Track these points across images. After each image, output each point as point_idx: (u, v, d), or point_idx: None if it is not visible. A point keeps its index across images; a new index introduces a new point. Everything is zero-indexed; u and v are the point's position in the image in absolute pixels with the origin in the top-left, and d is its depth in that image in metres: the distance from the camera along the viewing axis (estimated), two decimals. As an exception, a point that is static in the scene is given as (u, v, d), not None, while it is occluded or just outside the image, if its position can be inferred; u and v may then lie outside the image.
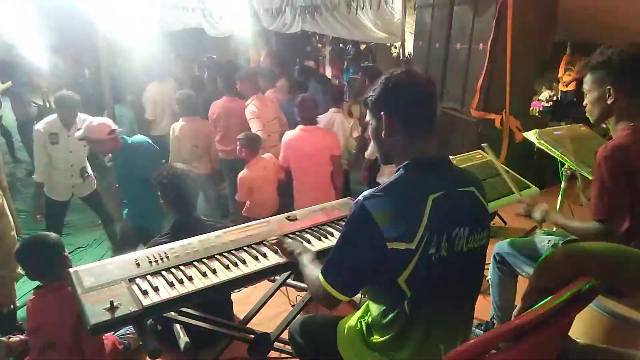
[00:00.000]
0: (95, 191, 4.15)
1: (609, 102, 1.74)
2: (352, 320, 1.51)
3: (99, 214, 4.28)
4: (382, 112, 1.33)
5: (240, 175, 3.86)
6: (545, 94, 7.26)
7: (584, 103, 1.87)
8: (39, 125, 3.71)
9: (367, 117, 1.42)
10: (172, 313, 1.91)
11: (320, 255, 1.90)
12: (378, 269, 1.22)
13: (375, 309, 1.35)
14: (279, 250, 1.79)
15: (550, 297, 1.17)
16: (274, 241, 1.82)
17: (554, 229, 2.53)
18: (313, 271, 1.45)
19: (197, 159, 4.36)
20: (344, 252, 1.29)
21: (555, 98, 7.19)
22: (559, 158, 2.70)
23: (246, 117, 4.42)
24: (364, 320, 1.44)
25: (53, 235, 2.27)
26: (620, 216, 1.67)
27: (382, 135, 1.34)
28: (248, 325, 2.23)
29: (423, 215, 1.20)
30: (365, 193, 1.25)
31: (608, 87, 1.73)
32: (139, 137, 3.60)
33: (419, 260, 1.19)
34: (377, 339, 1.36)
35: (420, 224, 1.19)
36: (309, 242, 1.92)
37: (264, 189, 3.91)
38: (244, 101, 4.77)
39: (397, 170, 1.32)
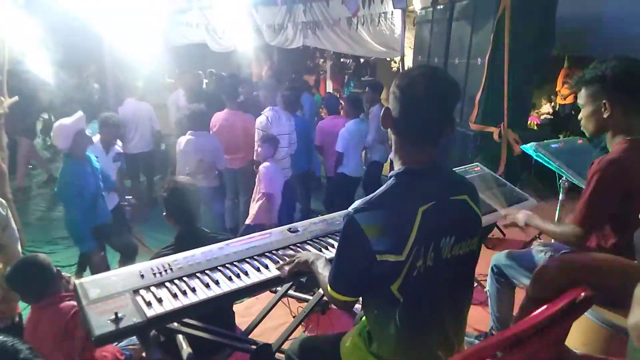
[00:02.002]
0: None
1: (604, 116, 1.76)
2: (354, 333, 1.53)
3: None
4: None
5: (262, 167, 4.15)
6: (546, 107, 7.31)
7: (579, 117, 1.91)
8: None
9: None
10: (175, 324, 1.93)
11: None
12: (371, 277, 1.25)
13: (372, 317, 1.38)
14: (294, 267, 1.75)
15: (545, 307, 1.19)
16: (285, 263, 1.78)
17: (553, 241, 2.56)
18: (325, 277, 1.49)
19: (202, 172, 4.40)
20: (342, 261, 1.34)
21: (554, 111, 7.25)
22: (556, 171, 2.74)
23: (256, 125, 4.54)
24: (364, 331, 1.47)
25: (41, 256, 2.31)
26: (594, 227, 1.77)
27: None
28: (250, 336, 2.26)
29: (412, 228, 1.22)
30: (355, 204, 1.27)
31: (603, 101, 1.75)
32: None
33: (408, 270, 1.22)
34: (377, 346, 1.39)
35: (410, 237, 1.21)
36: (310, 253, 1.95)
37: (278, 190, 4.20)
38: (247, 114, 4.85)
39: (390, 177, 1.33)
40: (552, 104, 7.43)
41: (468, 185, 1.39)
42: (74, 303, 2.14)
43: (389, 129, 1.36)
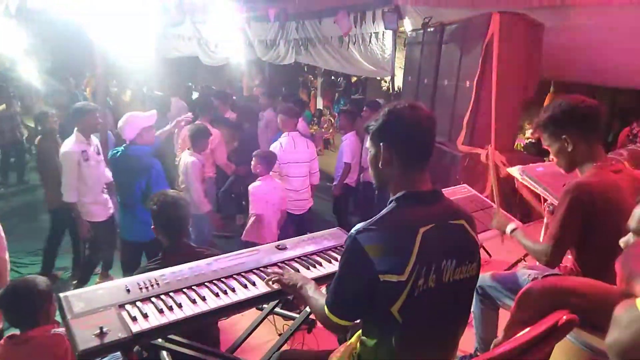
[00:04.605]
0: None
1: (569, 150, 1.91)
2: (344, 353, 1.52)
3: None
4: (382, 143, 1.36)
5: (251, 187, 3.97)
6: (529, 132, 7.42)
7: (550, 158, 2.02)
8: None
9: (367, 144, 1.46)
10: (159, 340, 1.91)
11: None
12: (373, 299, 1.26)
13: (368, 338, 1.38)
14: (280, 285, 1.77)
15: (528, 329, 1.22)
16: (275, 278, 1.79)
17: (537, 263, 2.60)
18: (318, 301, 1.50)
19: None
20: (342, 283, 1.35)
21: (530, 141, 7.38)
22: (541, 194, 2.79)
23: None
24: (355, 352, 1.46)
25: (41, 279, 2.22)
26: (564, 245, 1.88)
27: (379, 165, 1.37)
28: (234, 354, 2.23)
29: (413, 248, 1.24)
30: (358, 226, 1.29)
31: (563, 136, 1.91)
32: None
33: (409, 291, 1.23)
34: None
35: (411, 257, 1.23)
36: (297, 271, 1.96)
37: (271, 209, 3.99)
38: (214, 129, 4.84)
39: (390, 202, 1.36)
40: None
41: (464, 212, 1.44)
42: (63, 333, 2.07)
43: (385, 167, 1.37)
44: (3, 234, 2.64)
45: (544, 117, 1.95)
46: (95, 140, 4.10)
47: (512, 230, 2.15)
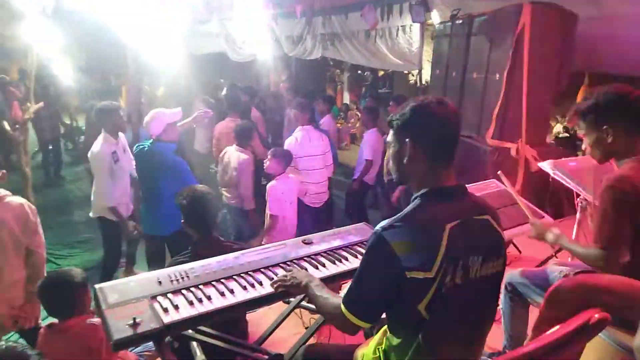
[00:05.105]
0: None
1: (609, 141, 1.82)
2: (369, 348, 1.52)
3: None
4: (408, 139, 1.33)
5: (269, 186, 3.94)
6: (557, 127, 7.18)
7: (583, 147, 1.94)
8: None
9: (389, 138, 1.43)
10: (190, 331, 1.96)
11: (335, 279, 1.97)
12: (398, 296, 1.25)
13: (394, 335, 1.37)
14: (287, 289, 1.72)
15: (557, 327, 1.20)
16: (276, 286, 1.73)
17: (569, 259, 2.54)
18: (329, 300, 1.48)
19: (226, 186, 4.44)
20: (365, 282, 1.33)
21: (566, 132, 7.15)
22: (573, 189, 2.72)
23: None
24: (381, 348, 1.45)
25: (77, 271, 2.28)
26: (619, 245, 1.71)
27: (404, 160, 1.35)
28: (262, 346, 2.27)
29: (441, 245, 1.22)
30: (383, 223, 1.29)
31: (605, 127, 1.81)
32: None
33: (437, 288, 1.22)
34: None
35: (438, 253, 1.22)
36: (323, 265, 1.98)
37: (290, 209, 3.98)
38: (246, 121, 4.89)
39: (414, 199, 1.35)
40: (562, 123, 7.30)
41: (489, 207, 1.41)
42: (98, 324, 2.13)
43: (410, 163, 1.35)
44: (42, 232, 2.74)
45: (586, 104, 1.84)
46: (123, 139, 4.08)
47: (556, 238, 2.01)
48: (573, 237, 2.88)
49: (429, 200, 1.32)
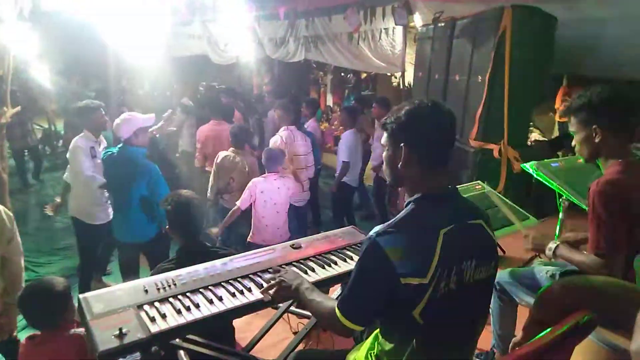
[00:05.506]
0: None
1: (596, 140, 1.82)
2: (361, 352, 1.52)
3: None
4: (402, 144, 1.32)
5: (253, 179, 3.90)
6: (534, 135, 7.27)
7: (572, 144, 1.95)
8: None
9: (383, 141, 1.41)
10: (177, 340, 1.92)
11: (325, 283, 1.96)
12: (392, 302, 1.25)
13: (386, 340, 1.37)
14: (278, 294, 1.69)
15: (550, 329, 1.21)
16: (266, 294, 1.71)
17: (552, 259, 2.57)
18: (322, 304, 1.47)
19: (229, 192, 4.34)
20: (359, 287, 1.31)
21: (542, 138, 7.28)
22: (556, 190, 2.76)
23: (270, 145, 4.55)
24: (373, 353, 1.45)
25: (59, 280, 2.22)
26: (619, 249, 1.70)
27: (398, 165, 1.34)
28: (251, 353, 2.25)
29: (435, 250, 1.22)
30: (377, 229, 1.28)
31: (594, 126, 1.81)
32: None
33: (432, 294, 1.21)
34: None
35: (433, 259, 1.21)
36: (313, 270, 1.96)
37: (271, 210, 3.88)
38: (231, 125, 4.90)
39: (408, 204, 1.34)
40: (540, 131, 7.40)
41: (482, 211, 1.42)
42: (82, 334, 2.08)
43: (405, 167, 1.34)
44: (19, 239, 2.66)
45: (579, 102, 1.83)
46: (103, 142, 4.01)
47: (555, 249, 1.97)
48: (556, 237, 2.92)
49: (423, 205, 1.31)
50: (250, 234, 3.97)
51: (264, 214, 3.86)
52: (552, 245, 1.98)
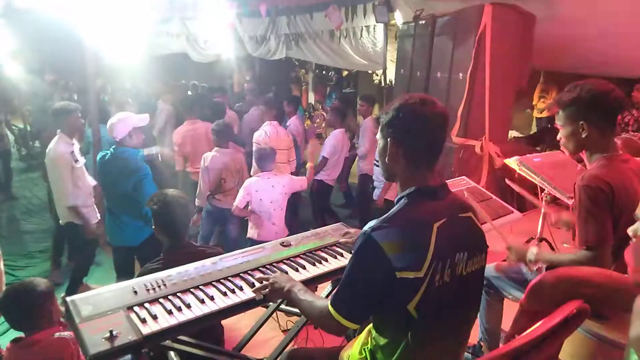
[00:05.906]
0: None
1: (583, 136, 1.84)
2: (355, 348, 1.52)
3: None
4: (389, 139, 1.34)
5: (248, 179, 3.91)
6: (512, 133, 7.37)
7: (558, 138, 1.98)
8: None
9: (377, 135, 1.42)
10: (167, 340, 1.90)
11: (315, 280, 1.95)
12: (388, 297, 1.25)
13: (380, 335, 1.37)
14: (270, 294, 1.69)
15: (541, 322, 1.23)
16: (265, 289, 1.69)
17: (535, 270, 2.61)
18: (314, 304, 1.46)
19: (222, 192, 4.31)
20: (354, 283, 1.31)
21: (520, 135, 7.41)
22: (539, 184, 2.81)
23: (254, 139, 4.63)
24: (367, 348, 1.45)
25: (41, 281, 2.17)
26: (607, 241, 1.72)
27: (386, 159, 1.36)
28: (241, 352, 2.23)
29: (430, 244, 1.23)
30: (371, 224, 1.28)
31: (581, 122, 1.83)
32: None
33: (427, 287, 1.23)
34: None
35: (428, 252, 1.22)
36: (304, 267, 1.96)
37: (267, 207, 3.87)
38: (206, 122, 4.89)
39: (400, 199, 1.35)
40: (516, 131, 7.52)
41: (470, 204, 1.44)
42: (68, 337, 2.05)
43: (392, 162, 1.35)
44: None
45: (569, 96, 1.84)
46: (76, 144, 3.90)
47: (537, 256, 1.95)
48: (538, 231, 2.99)
49: (416, 200, 1.32)
50: (249, 230, 3.96)
51: (260, 212, 3.87)
52: (533, 249, 1.98)
